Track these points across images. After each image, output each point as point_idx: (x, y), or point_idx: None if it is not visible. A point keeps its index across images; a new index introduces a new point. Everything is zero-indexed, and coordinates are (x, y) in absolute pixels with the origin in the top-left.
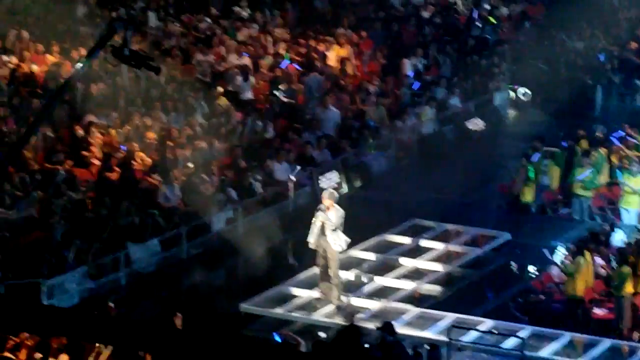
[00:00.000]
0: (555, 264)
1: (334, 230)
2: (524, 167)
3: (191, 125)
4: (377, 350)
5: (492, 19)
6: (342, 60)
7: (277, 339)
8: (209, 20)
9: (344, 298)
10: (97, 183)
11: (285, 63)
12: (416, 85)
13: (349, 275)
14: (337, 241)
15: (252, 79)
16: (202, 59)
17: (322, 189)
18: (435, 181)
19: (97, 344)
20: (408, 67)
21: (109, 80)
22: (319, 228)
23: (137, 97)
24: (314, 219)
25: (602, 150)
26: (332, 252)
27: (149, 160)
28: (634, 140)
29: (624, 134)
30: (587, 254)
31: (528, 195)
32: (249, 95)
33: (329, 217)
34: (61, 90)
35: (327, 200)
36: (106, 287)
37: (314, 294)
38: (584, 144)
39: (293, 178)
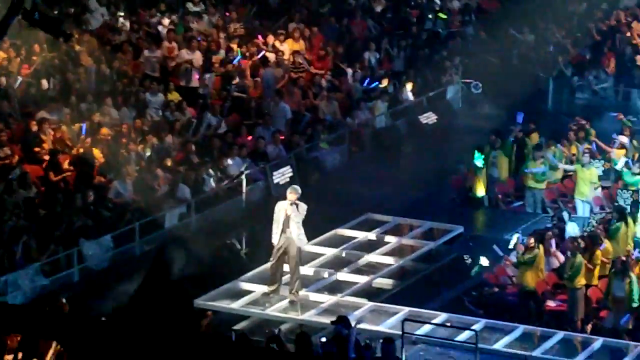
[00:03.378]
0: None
1: (299, 224)
2: (474, 160)
3: (143, 120)
4: (332, 345)
5: (442, 15)
6: (295, 55)
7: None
8: (160, 15)
9: (300, 293)
10: (49, 180)
11: (237, 58)
12: (365, 82)
13: (303, 269)
14: (301, 236)
15: (204, 74)
16: (151, 55)
17: (276, 184)
18: (389, 175)
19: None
20: (349, 77)
21: (59, 76)
22: (281, 223)
23: (88, 93)
24: (275, 215)
25: (558, 147)
26: (294, 247)
27: (100, 157)
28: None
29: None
30: (541, 247)
31: (479, 189)
32: (201, 90)
33: (296, 211)
34: None
35: (292, 195)
36: (59, 284)
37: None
38: (535, 137)
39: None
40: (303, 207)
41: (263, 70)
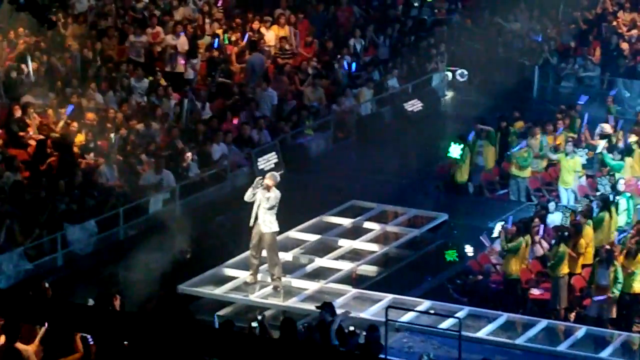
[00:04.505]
0: (494, 243)
1: (269, 209)
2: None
3: (128, 105)
4: (315, 331)
5: None
6: (282, 41)
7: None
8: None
9: (284, 279)
10: (35, 164)
11: (216, 43)
12: (352, 68)
13: (287, 256)
14: (269, 223)
15: (189, 60)
16: (136, 40)
17: (261, 170)
18: (374, 162)
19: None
20: (337, 65)
21: (44, 59)
22: (256, 209)
23: (73, 78)
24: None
25: (542, 135)
26: (266, 234)
27: (82, 141)
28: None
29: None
30: (527, 236)
31: (461, 176)
32: (186, 75)
33: (266, 196)
34: None
35: (269, 180)
36: (43, 268)
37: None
38: (519, 125)
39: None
40: (274, 194)
41: (249, 56)
